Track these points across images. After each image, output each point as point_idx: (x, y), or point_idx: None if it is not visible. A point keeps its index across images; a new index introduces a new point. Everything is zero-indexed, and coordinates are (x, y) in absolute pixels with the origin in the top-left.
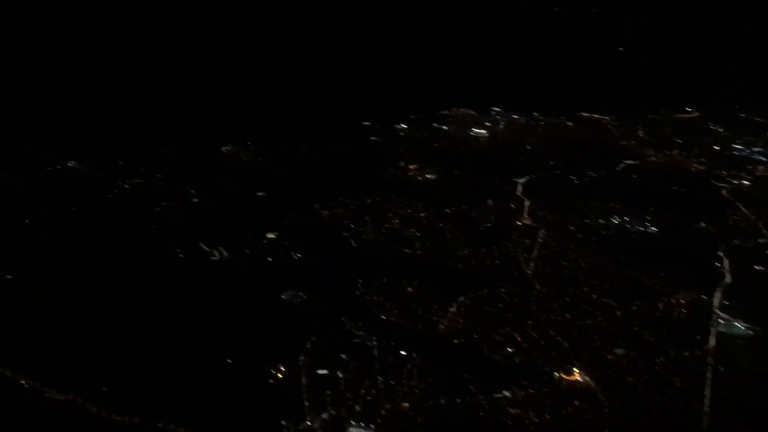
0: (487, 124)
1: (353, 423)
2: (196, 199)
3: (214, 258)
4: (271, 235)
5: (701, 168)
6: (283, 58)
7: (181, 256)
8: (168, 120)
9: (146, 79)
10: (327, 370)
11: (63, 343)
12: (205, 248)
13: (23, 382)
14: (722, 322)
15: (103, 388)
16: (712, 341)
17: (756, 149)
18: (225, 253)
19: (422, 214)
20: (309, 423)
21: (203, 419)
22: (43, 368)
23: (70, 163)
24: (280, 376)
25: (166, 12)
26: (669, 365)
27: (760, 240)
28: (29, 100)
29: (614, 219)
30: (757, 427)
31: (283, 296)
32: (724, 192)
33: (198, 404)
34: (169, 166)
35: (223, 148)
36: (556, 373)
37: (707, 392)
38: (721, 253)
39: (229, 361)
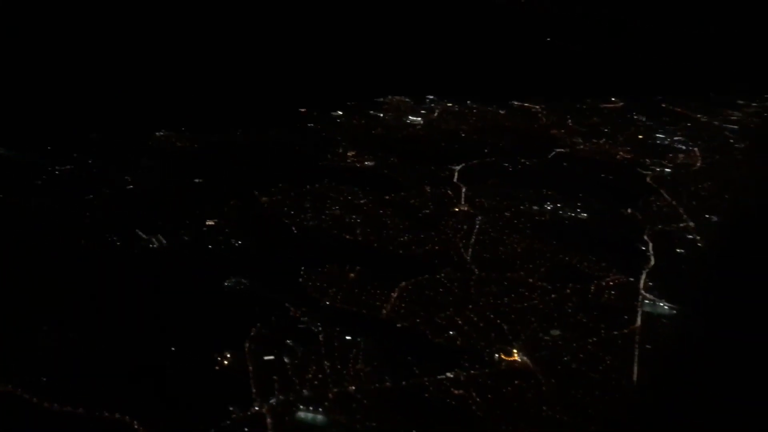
0: (422, 111)
1: (301, 407)
2: (131, 186)
3: (152, 246)
4: (210, 222)
5: (627, 156)
6: (219, 43)
7: (119, 243)
8: (97, 104)
9: (75, 63)
10: (273, 355)
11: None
12: (143, 236)
13: None
14: (648, 302)
15: (43, 379)
16: (639, 320)
17: (676, 138)
18: (164, 241)
19: (362, 201)
20: (257, 408)
21: (150, 408)
22: None
23: None
24: (226, 363)
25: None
26: (600, 344)
27: (681, 224)
28: None
29: (547, 205)
30: (682, 399)
31: (226, 283)
32: (648, 179)
33: (143, 393)
34: (101, 151)
35: (157, 134)
36: (496, 355)
37: (635, 368)
38: (646, 238)
39: (173, 349)
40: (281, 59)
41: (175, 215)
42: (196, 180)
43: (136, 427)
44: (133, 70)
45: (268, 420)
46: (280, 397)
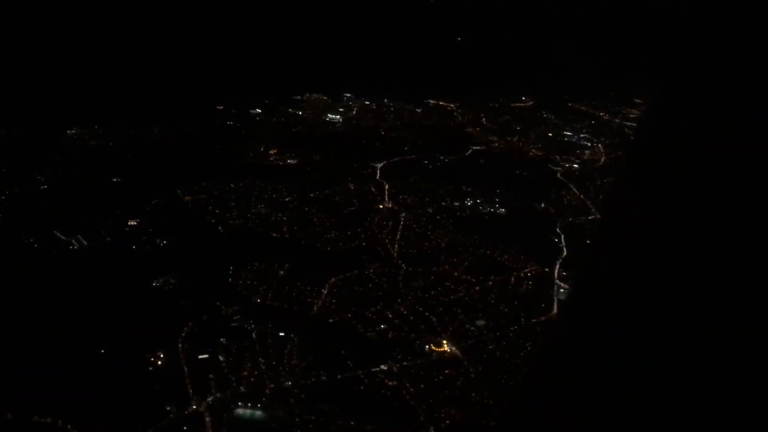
0: (341, 109)
1: (240, 404)
2: (44, 186)
3: (72, 247)
4: (132, 222)
5: (538, 153)
6: (129, 37)
7: (36, 246)
8: (1, 101)
9: None
10: (207, 354)
11: None
12: (62, 237)
13: None
14: (562, 290)
15: None
16: (555, 308)
17: (582, 135)
18: (84, 242)
19: (287, 199)
20: (195, 407)
21: (84, 411)
22: None
23: None
24: (159, 363)
25: None
26: (521, 332)
27: (590, 216)
28: None
29: (467, 201)
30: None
31: (154, 284)
32: (558, 175)
33: (76, 396)
34: (8, 149)
35: (68, 131)
36: (426, 346)
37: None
38: (558, 230)
39: (102, 351)
40: (193, 55)
41: (95, 215)
42: (114, 179)
43: (70, 429)
44: (39, 66)
45: (207, 418)
46: (217, 395)
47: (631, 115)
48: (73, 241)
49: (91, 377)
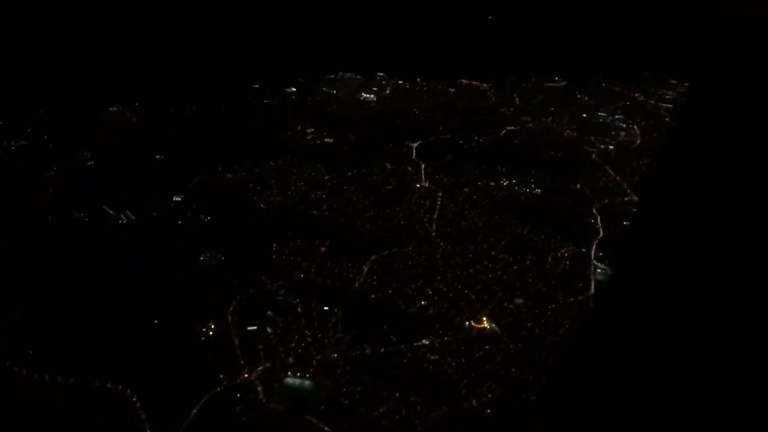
0: (374, 89)
1: (289, 373)
2: (91, 162)
3: (121, 221)
4: (177, 198)
5: (573, 134)
6: (165, 18)
7: (87, 220)
8: (43, 79)
9: (20, 38)
10: (256, 326)
11: None
12: (111, 212)
13: None
14: (600, 271)
15: (29, 351)
16: (592, 288)
17: (617, 116)
18: (132, 217)
19: (326, 177)
20: (246, 375)
21: (142, 378)
22: None
23: None
24: (211, 333)
25: None
26: (559, 310)
27: (625, 198)
28: None
29: (503, 182)
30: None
31: (201, 258)
32: (593, 156)
33: (134, 365)
34: (54, 127)
35: (110, 109)
36: (467, 323)
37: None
38: (594, 211)
39: (156, 321)
40: (226, 34)
41: (141, 191)
42: (157, 156)
43: (129, 395)
44: (78, 45)
45: (258, 386)
46: (267, 364)
47: (667, 97)
48: (122, 216)
49: (147, 346)
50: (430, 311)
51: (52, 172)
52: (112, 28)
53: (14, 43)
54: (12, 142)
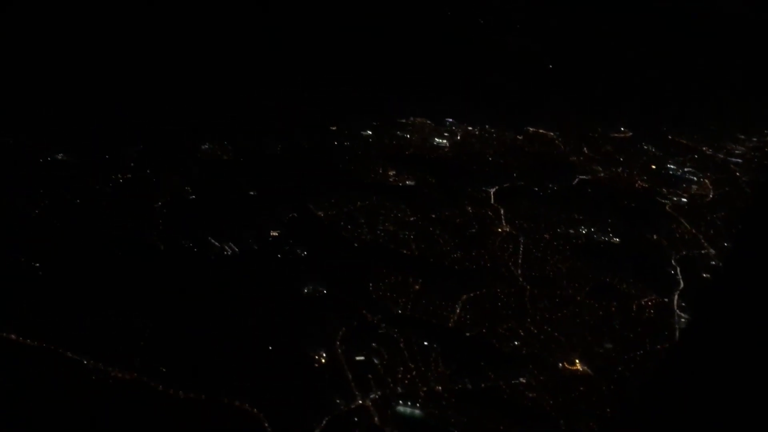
0: (446, 134)
1: (400, 402)
2: (193, 196)
3: (226, 253)
4: (274, 233)
5: (644, 185)
6: (246, 61)
7: (195, 250)
8: (133, 116)
9: (115, 80)
10: (363, 357)
11: (118, 333)
12: (216, 243)
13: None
14: (683, 320)
15: (162, 369)
16: (676, 335)
17: (687, 169)
18: (236, 249)
19: (411, 219)
20: (360, 402)
21: (265, 397)
22: (106, 353)
23: (59, 156)
24: (323, 361)
25: (157, 13)
26: (647, 356)
27: (702, 251)
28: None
29: (582, 229)
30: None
31: (305, 290)
32: (667, 207)
33: (256, 386)
34: (154, 162)
35: (203, 147)
36: (560, 363)
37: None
38: (674, 262)
39: (270, 348)
40: (304, 79)
41: (239, 225)
42: (251, 192)
43: (256, 413)
44: (163, 83)
45: (373, 412)
46: (378, 392)
47: (736, 152)
48: (226, 247)
49: (264, 370)
50: (524, 351)
51: (159, 204)
52: (194, 68)
53: (109, 85)
54: (119, 175)
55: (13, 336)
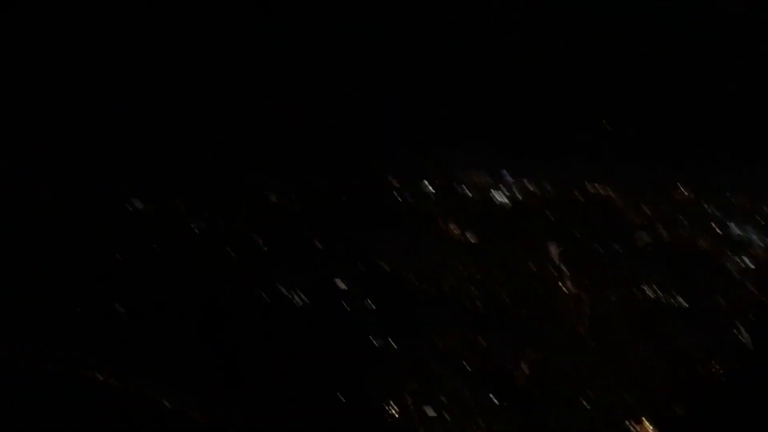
0: (504, 189)
1: None
2: (265, 249)
3: (297, 304)
4: (342, 286)
5: (707, 247)
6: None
7: (268, 300)
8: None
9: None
10: (434, 410)
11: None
12: (285, 292)
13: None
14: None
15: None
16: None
17: (751, 231)
18: (306, 300)
19: (478, 276)
20: None
21: None
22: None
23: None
24: (395, 413)
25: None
26: (721, 418)
27: None
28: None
29: (647, 291)
30: None
31: (375, 344)
32: (733, 272)
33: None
34: (215, 207)
35: (267, 196)
36: (626, 422)
37: None
38: (742, 327)
39: (343, 400)
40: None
41: (308, 275)
42: (318, 246)
43: None
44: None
45: None
46: None
47: None
48: (295, 297)
49: (339, 423)
50: (595, 410)
51: (234, 254)
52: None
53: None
54: (193, 225)
55: None
